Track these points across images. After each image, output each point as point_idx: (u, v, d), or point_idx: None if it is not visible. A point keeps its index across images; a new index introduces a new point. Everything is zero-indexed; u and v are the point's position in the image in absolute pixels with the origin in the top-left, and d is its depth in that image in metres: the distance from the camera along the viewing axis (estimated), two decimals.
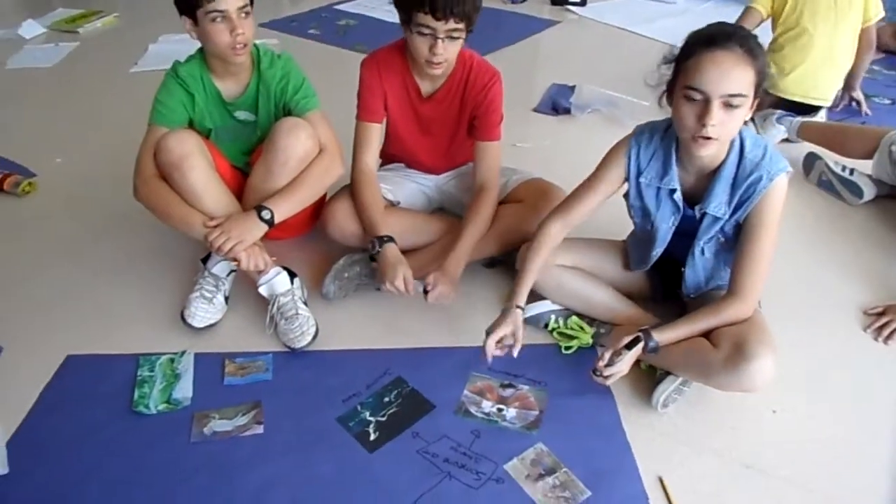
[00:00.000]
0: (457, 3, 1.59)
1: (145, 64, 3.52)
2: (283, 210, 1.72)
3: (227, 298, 1.81)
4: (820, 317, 1.85)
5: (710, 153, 1.43)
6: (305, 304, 1.77)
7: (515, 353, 1.58)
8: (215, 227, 1.67)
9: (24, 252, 2.09)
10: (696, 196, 1.55)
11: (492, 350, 1.56)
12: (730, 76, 1.33)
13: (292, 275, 1.79)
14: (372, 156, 1.88)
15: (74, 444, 1.48)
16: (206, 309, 1.75)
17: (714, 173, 1.49)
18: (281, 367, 1.66)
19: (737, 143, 1.47)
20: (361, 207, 1.81)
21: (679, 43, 1.43)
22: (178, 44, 3.65)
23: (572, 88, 3.12)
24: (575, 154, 2.56)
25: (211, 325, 1.76)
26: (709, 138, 1.37)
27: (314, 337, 1.70)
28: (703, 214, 1.53)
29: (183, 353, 1.69)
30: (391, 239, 1.74)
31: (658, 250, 1.64)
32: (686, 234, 1.59)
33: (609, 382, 1.53)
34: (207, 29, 1.67)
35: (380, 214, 1.80)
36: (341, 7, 4.41)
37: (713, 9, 4.15)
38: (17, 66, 3.53)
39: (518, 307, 1.60)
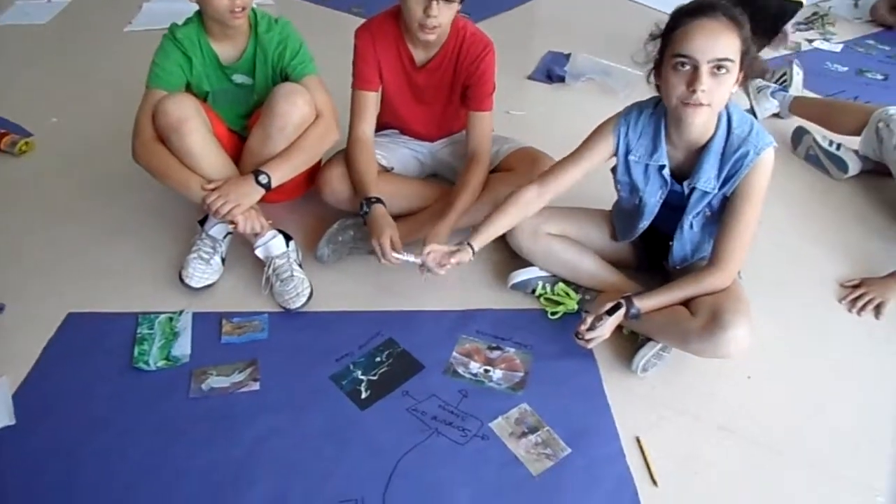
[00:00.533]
0: None
1: (140, 23, 3.48)
2: (279, 174, 1.75)
3: (223, 260, 1.86)
4: (798, 288, 1.91)
5: (701, 120, 1.46)
6: (300, 266, 1.82)
7: (442, 272, 1.64)
8: (213, 190, 1.70)
9: (22, 211, 2.12)
10: (683, 171, 1.59)
11: (430, 258, 1.63)
12: (717, 42, 1.37)
13: (287, 238, 1.83)
14: (368, 124, 1.90)
15: (77, 397, 1.54)
16: (204, 270, 1.79)
17: (702, 149, 1.53)
18: (276, 327, 1.72)
19: (724, 119, 1.51)
20: (354, 174, 1.85)
21: (663, 20, 1.47)
22: (173, 2, 3.60)
23: (567, 56, 3.12)
24: (568, 122, 2.60)
25: (208, 286, 1.81)
26: (700, 104, 1.41)
27: (309, 298, 1.75)
28: (692, 189, 1.57)
29: (181, 312, 1.74)
30: (379, 200, 1.78)
31: (645, 223, 1.69)
32: (671, 206, 1.64)
33: (590, 346, 1.59)
34: None
35: (371, 178, 1.84)
36: None
37: None
38: (9, 22, 3.49)
39: (469, 244, 1.65)
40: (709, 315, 1.49)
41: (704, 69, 1.38)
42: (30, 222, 2.07)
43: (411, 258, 1.72)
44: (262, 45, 1.83)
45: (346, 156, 1.90)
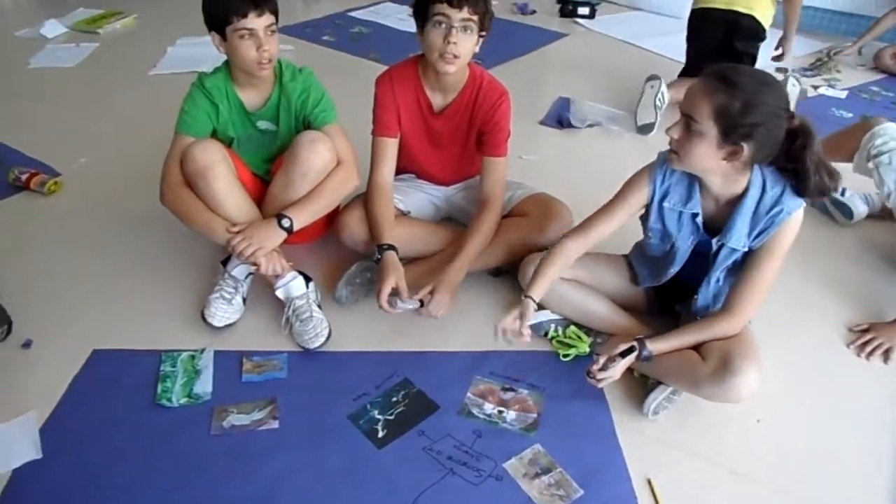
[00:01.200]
0: None
1: (164, 67, 3.61)
2: (301, 219, 1.82)
3: (244, 300, 1.91)
4: (806, 332, 1.94)
5: (677, 164, 1.54)
6: (319, 306, 1.87)
7: (525, 333, 1.64)
8: (238, 233, 1.77)
9: (50, 249, 2.19)
10: (714, 222, 1.62)
11: (502, 327, 1.65)
12: (689, 99, 1.48)
13: (307, 279, 1.88)
14: (388, 169, 1.97)
15: (102, 432, 1.58)
16: (226, 309, 1.85)
17: (734, 204, 1.57)
18: (295, 366, 1.76)
19: (758, 178, 1.54)
20: (372, 219, 1.91)
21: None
22: (196, 47, 3.77)
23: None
24: (579, 167, 2.68)
25: (230, 325, 1.86)
26: (671, 149, 1.53)
27: (327, 338, 1.80)
28: (721, 246, 1.60)
29: (203, 350, 1.79)
30: (391, 247, 1.84)
31: (675, 269, 1.72)
32: (696, 253, 1.68)
33: (601, 385, 1.62)
34: (235, 45, 1.77)
35: (388, 225, 1.89)
36: (355, 14, 4.50)
37: None
38: (40, 65, 3.63)
39: (528, 297, 1.67)
40: (719, 360, 1.53)
41: (682, 119, 1.48)
42: (57, 260, 2.14)
43: (410, 305, 1.79)
44: (287, 93, 1.92)
45: (364, 200, 1.96)
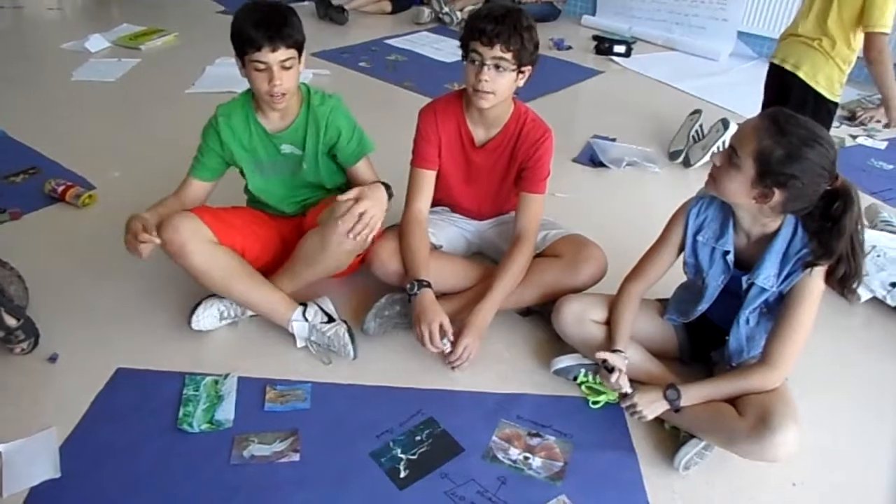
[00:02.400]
0: (503, 33, 1.71)
1: (201, 85, 3.66)
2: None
3: (235, 323, 1.96)
4: (847, 393, 1.87)
5: (709, 188, 1.56)
6: (328, 320, 1.87)
7: (624, 386, 1.65)
8: (347, 211, 1.72)
9: (81, 263, 2.20)
10: (746, 260, 1.61)
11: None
12: (739, 132, 1.49)
13: (303, 306, 1.89)
14: (424, 202, 1.96)
15: (122, 454, 1.57)
16: (211, 321, 1.91)
17: (766, 243, 1.56)
18: (319, 398, 1.73)
19: (791, 222, 1.53)
20: (407, 250, 1.89)
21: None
22: (234, 67, 3.79)
23: (613, 140, 3.19)
24: (611, 206, 2.65)
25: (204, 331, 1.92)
26: (711, 175, 1.54)
27: (353, 341, 1.83)
28: (751, 284, 1.59)
29: (227, 375, 1.77)
30: (429, 284, 1.83)
31: (704, 306, 1.70)
32: (728, 292, 1.65)
33: (633, 406, 1.63)
34: (251, 75, 1.78)
35: (423, 259, 1.87)
36: (391, 42, 4.54)
37: (755, 68, 4.20)
38: (82, 78, 3.70)
39: (616, 351, 1.68)
40: (757, 415, 1.48)
41: (727, 149, 1.50)
42: (86, 274, 2.15)
43: (444, 344, 1.78)
44: (315, 115, 1.89)
45: (399, 232, 1.95)
